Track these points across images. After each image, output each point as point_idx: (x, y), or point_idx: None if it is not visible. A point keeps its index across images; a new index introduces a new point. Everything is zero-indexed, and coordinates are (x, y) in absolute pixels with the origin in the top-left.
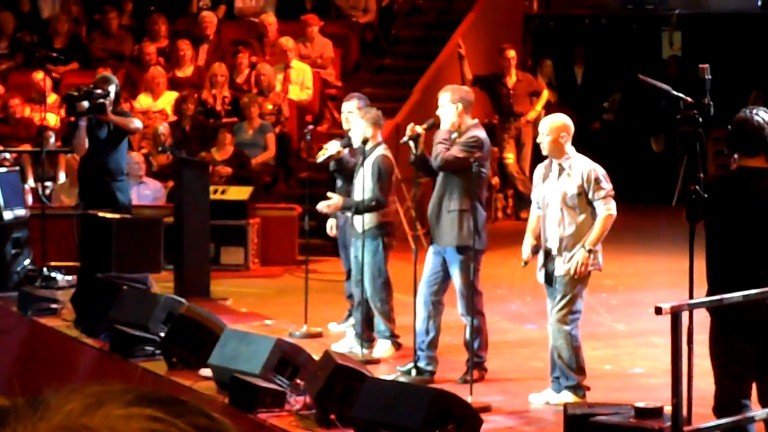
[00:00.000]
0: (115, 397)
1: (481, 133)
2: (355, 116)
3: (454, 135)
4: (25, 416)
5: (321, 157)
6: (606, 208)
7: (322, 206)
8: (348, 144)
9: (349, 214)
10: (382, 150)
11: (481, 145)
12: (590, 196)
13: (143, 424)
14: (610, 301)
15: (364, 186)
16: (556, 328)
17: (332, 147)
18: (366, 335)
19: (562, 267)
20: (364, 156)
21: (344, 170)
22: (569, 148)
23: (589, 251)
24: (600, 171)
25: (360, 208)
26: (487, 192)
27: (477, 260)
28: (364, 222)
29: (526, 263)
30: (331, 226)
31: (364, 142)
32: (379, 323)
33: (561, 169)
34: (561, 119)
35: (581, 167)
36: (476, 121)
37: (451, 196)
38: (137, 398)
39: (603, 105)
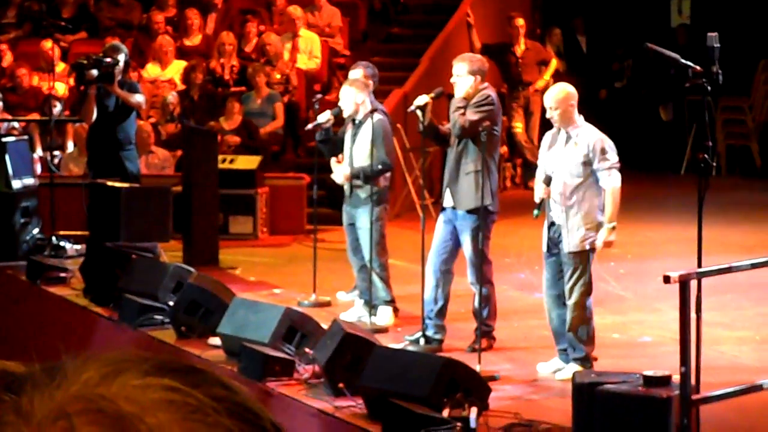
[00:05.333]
0: (132, 366)
1: (491, 92)
2: (345, 84)
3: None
4: (42, 384)
5: (311, 124)
6: (612, 180)
7: (336, 177)
8: (339, 112)
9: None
10: (379, 114)
11: (492, 102)
12: (595, 165)
13: (160, 394)
14: (618, 270)
15: (369, 152)
16: (574, 302)
17: (322, 116)
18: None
19: (569, 242)
20: (356, 123)
21: (330, 141)
22: (577, 117)
23: (611, 228)
24: (607, 142)
25: (369, 174)
26: None
27: (490, 225)
28: (369, 188)
29: (539, 208)
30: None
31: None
32: (379, 289)
33: (568, 138)
34: (565, 89)
35: (588, 137)
36: (486, 84)
37: (467, 158)
38: (154, 368)
39: (612, 68)
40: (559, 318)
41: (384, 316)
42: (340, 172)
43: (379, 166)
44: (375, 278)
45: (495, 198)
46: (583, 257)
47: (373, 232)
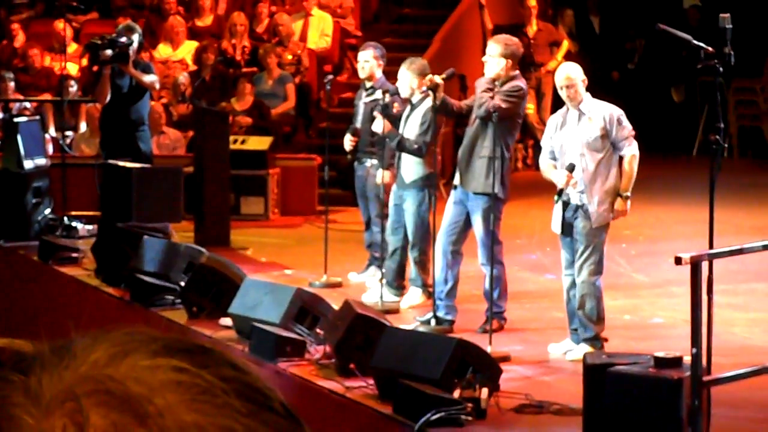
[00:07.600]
0: (141, 346)
1: (521, 83)
2: (401, 68)
3: (497, 83)
4: (51, 365)
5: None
6: (630, 149)
7: (386, 176)
8: (393, 97)
9: (369, 164)
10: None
11: (523, 95)
12: (613, 136)
13: (169, 375)
14: (630, 251)
15: (419, 133)
16: (583, 280)
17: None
18: (397, 283)
19: (595, 218)
20: (412, 105)
21: (390, 116)
22: (585, 94)
23: (626, 197)
24: (620, 111)
25: (403, 146)
26: None
27: (499, 209)
28: (413, 172)
29: (560, 194)
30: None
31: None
32: (412, 271)
33: (581, 115)
34: (576, 66)
35: (602, 110)
36: (517, 72)
37: (483, 142)
38: (163, 348)
39: (624, 47)
40: (576, 297)
41: (414, 297)
42: (379, 176)
43: (415, 146)
44: (412, 262)
45: (506, 185)
46: (595, 235)
47: (415, 216)
